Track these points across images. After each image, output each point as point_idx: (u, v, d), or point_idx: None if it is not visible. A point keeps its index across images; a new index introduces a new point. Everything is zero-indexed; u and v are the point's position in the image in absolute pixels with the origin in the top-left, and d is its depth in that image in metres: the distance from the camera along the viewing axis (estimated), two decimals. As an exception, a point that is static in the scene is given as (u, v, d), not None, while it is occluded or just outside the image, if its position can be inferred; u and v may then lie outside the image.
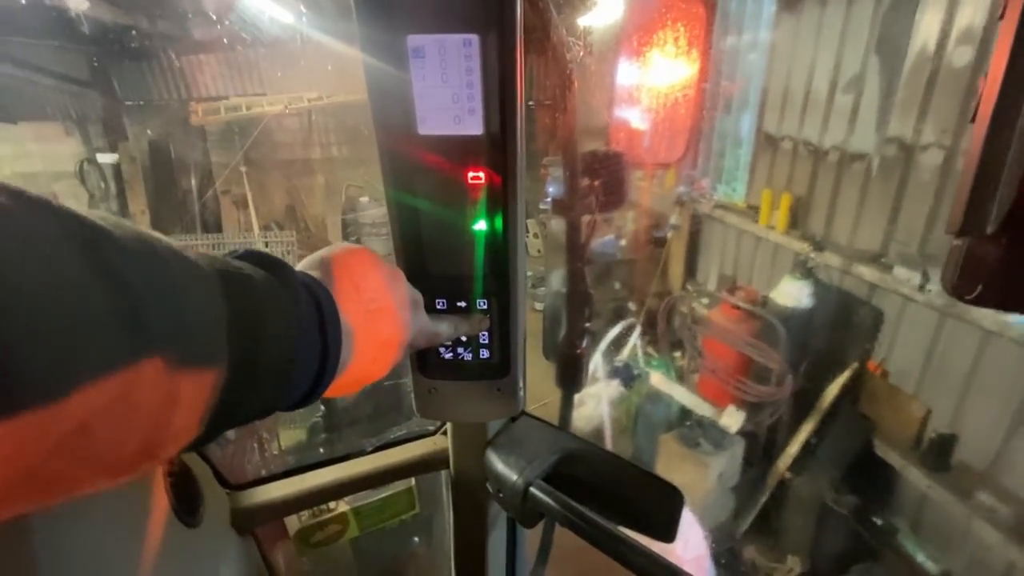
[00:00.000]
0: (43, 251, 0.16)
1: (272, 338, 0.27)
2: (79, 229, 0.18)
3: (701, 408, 2.96)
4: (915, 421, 2.58)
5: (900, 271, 2.59)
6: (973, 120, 0.21)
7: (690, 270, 4.17)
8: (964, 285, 0.22)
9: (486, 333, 0.52)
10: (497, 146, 0.43)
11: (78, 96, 4.45)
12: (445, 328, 0.47)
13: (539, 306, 3.97)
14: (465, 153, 0.43)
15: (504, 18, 0.38)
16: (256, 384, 0.26)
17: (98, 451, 0.19)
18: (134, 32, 4.02)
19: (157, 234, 0.22)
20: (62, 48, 4.05)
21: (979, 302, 0.22)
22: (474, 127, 0.42)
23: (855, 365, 2.80)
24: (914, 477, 2.54)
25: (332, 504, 0.85)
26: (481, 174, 0.44)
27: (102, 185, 4.64)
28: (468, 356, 0.53)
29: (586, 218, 0.81)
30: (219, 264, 0.25)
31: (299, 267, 0.34)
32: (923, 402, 2.59)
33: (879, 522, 2.66)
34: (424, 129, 0.42)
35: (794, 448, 2.76)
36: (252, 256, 0.29)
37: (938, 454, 2.47)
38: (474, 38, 0.38)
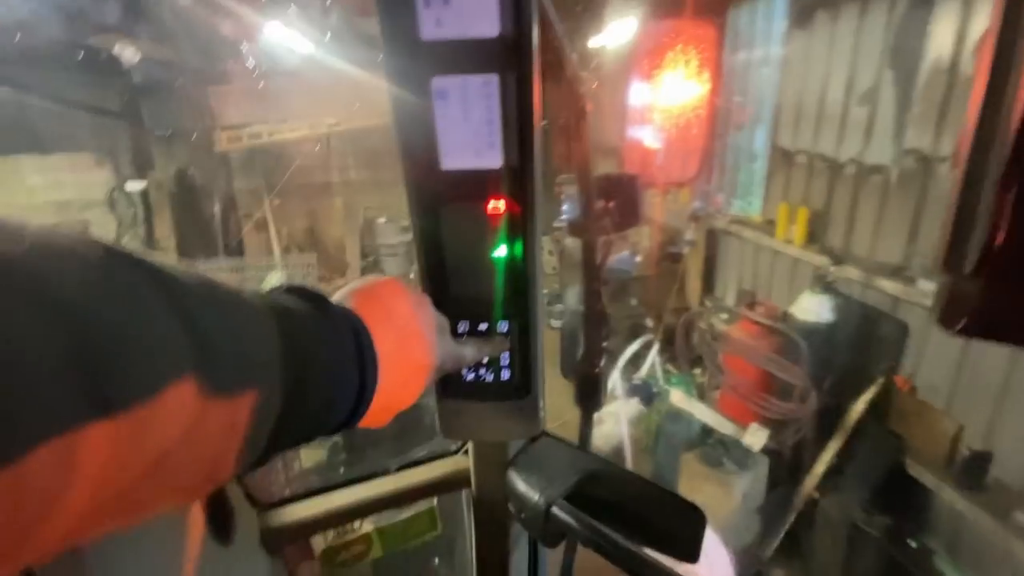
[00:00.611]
0: (131, 295, 0.19)
1: (318, 368, 0.29)
2: (156, 277, 0.21)
3: (723, 426, 2.91)
4: (947, 438, 2.50)
5: (924, 283, 2.54)
6: (955, 166, 0.23)
7: (708, 285, 4.14)
8: (950, 318, 0.23)
9: (507, 354, 0.54)
10: (516, 177, 0.45)
11: (109, 127, 4.65)
12: (469, 351, 0.48)
13: (555, 323, 3.98)
14: (486, 185, 0.45)
15: (521, 59, 0.40)
16: (304, 412, 0.29)
17: (174, 476, 0.21)
18: (165, 66, 4.20)
19: (215, 279, 0.25)
20: (94, 82, 4.26)
21: (965, 333, 0.23)
22: (494, 160, 0.44)
23: (881, 380, 2.73)
24: (948, 496, 2.45)
25: (357, 524, 0.86)
26: (501, 204, 0.46)
27: (131, 212, 4.81)
28: (490, 377, 0.55)
29: (601, 239, 0.83)
30: (270, 301, 0.28)
31: (334, 298, 0.36)
32: (954, 418, 2.51)
33: (913, 544, 2.56)
34: (447, 163, 0.45)
35: (821, 467, 2.69)
36: (295, 290, 0.32)
37: (973, 472, 2.39)
38: (494, 78, 0.41)
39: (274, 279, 4.75)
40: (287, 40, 3.76)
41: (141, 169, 4.78)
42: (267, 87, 4.63)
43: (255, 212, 5.25)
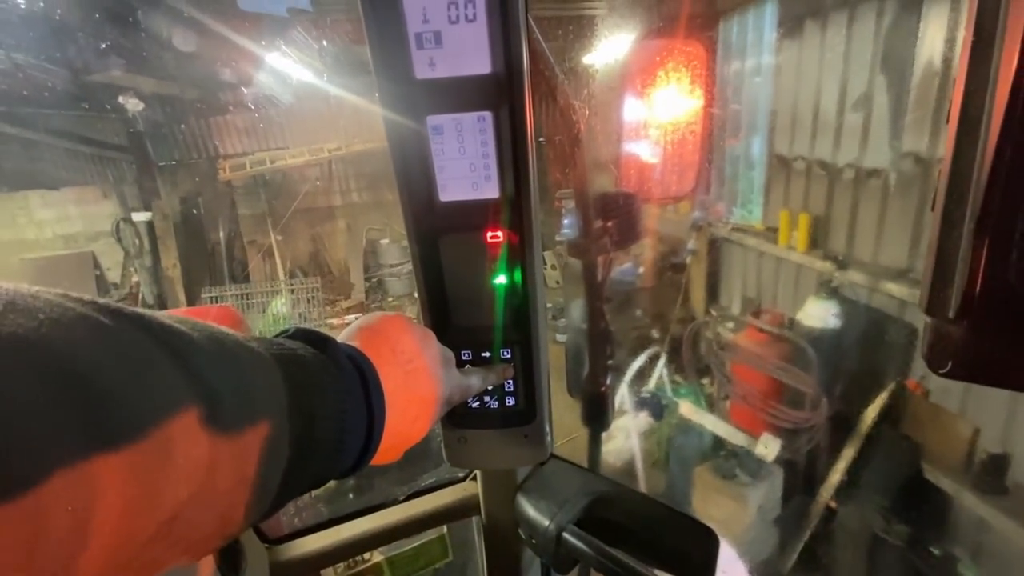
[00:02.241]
0: (128, 345, 0.20)
1: (325, 413, 0.29)
2: (164, 336, 0.21)
3: (735, 437, 2.87)
4: (963, 441, 2.45)
5: (930, 286, 2.52)
6: (933, 209, 0.23)
7: (712, 294, 4.13)
8: (936, 360, 0.23)
9: (511, 381, 0.54)
10: (513, 207, 0.46)
11: (115, 161, 4.75)
12: (476, 381, 0.48)
13: (560, 338, 3.96)
14: (483, 215, 0.46)
15: (514, 94, 0.41)
16: (313, 457, 0.29)
17: (184, 535, 0.22)
18: (167, 101, 4.30)
19: (226, 330, 0.26)
20: (100, 117, 4.35)
21: (951, 376, 0.23)
22: (491, 192, 0.45)
23: (893, 385, 2.70)
24: (969, 502, 2.40)
25: (367, 555, 0.85)
26: (499, 233, 0.47)
27: (136, 242, 4.87)
28: (495, 404, 0.55)
29: (601, 257, 0.83)
30: (275, 348, 0.28)
31: (340, 337, 0.36)
32: (970, 420, 2.47)
33: (936, 552, 2.50)
34: (445, 196, 0.45)
35: (836, 476, 2.65)
36: (301, 334, 0.32)
37: (991, 476, 2.34)
38: (487, 115, 0.42)
39: (279, 304, 4.78)
40: (287, 70, 3.84)
41: (147, 200, 4.86)
42: (268, 116, 4.72)
43: (259, 238, 5.30)
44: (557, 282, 4.71)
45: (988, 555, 2.40)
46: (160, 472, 0.19)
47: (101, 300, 0.21)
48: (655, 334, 3.81)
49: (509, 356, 0.53)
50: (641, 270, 4.00)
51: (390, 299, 5.65)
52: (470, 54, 0.40)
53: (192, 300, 4.73)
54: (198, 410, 0.21)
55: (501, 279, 0.49)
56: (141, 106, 3.73)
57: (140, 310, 0.22)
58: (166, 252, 4.84)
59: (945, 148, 0.21)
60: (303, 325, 0.33)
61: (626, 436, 2.87)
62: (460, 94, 0.41)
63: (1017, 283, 0.20)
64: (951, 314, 0.22)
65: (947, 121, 0.21)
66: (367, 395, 0.33)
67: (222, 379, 0.23)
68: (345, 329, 0.38)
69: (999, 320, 0.21)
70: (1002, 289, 0.20)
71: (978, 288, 0.20)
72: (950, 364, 0.23)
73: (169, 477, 0.20)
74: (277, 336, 0.31)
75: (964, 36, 0.21)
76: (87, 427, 0.17)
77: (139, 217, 4.83)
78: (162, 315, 0.23)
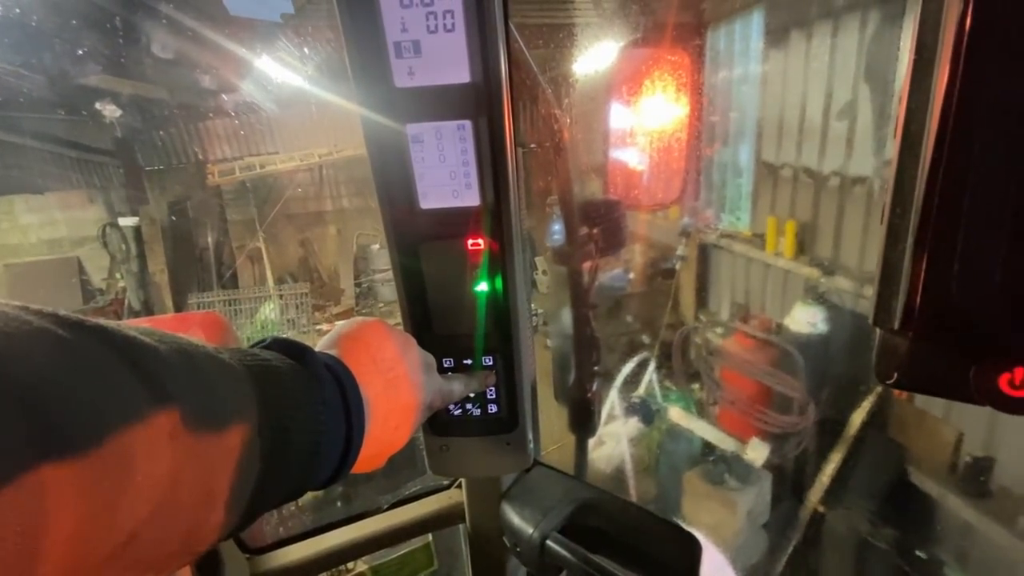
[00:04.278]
0: (84, 358, 0.20)
1: (300, 424, 0.29)
2: (125, 348, 0.21)
3: (724, 442, 2.88)
4: (948, 445, 2.49)
5: (914, 291, 2.56)
6: (881, 223, 0.24)
7: (701, 300, 4.16)
8: (883, 371, 0.24)
9: (493, 388, 0.54)
10: (493, 215, 0.46)
11: (101, 165, 4.68)
12: (458, 386, 0.48)
13: (551, 343, 3.96)
14: (464, 223, 0.46)
15: (493, 103, 0.42)
16: (288, 469, 0.29)
17: (145, 555, 0.21)
18: (156, 105, 4.27)
19: (196, 341, 0.25)
20: (86, 121, 4.30)
21: (897, 386, 0.24)
22: (471, 199, 0.45)
23: (879, 389, 2.73)
24: (954, 505, 2.42)
25: (350, 564, 0.84)
26: (480, 241, 0.47)
27: (123, 247, 4.80)
28: (477, 412, 0.55)
29: (587, 264, 0.84)
30: (249, 360, 0.28)
31: (319, 346, 0.36)
32: (954, 425, 2.50)
33: (922, 555, 2.52)
34: (425, 203, 0.46)
35: (824, 480, 2.67)
36: (278, 344, 0.32)
37: (976, 479, 2.37)
38: (467, 123, 0.42)
39: (268, 310, 4.74)
40: (276, 74, 3.84)
41: (134, 205, 4.80)
42: (258, 120, 4.70)
43: (248, 243, 5.26)
44: (548, 287, 4.71)
45: (974, 558, 2.42)
46: (117, 486, 0.19)
47: (62, 312, 0.20)
48: (645, 340, 3.82)
49: (491, 363, 0.53)
50: (631, 276, 4.02)
51: (380, 305, 5.62)
52: (449, 63, 0.40)
53: (180, 306, 4.68)
54: (160, 421, 0.21)
55: (482, 287, 0.49)
56: (119, 112, 3.70)
57: (104, 322, 0.21)
58: (153, 257, 4.78)
59: (891, 162, 0.22)
60: (281, 335, 0.33)
61: (616, 442, 2.87)
62: (440, 103, 0.42)
63: (957, 295, 0.20)
64: (896, 325, 0.22)
65: (894, 136, 0.22)
66: (345, 405, 0.32)
67: (187, 390, 0.22)
68: (324, 337, 0.38)
69: (940, 332, 0.21)
70: (942, 301, 0.21)
71: (919, 300, 0.21)
72: (896, 375, 0.23)
73: (127, 492, 0.19)
74: (253, 346, 0.31)
75: (908, 55, 0.22)
76: (34, 439, 0.17)
77: (126, 222, 4.76)
78: (128, 327, 0.22)
